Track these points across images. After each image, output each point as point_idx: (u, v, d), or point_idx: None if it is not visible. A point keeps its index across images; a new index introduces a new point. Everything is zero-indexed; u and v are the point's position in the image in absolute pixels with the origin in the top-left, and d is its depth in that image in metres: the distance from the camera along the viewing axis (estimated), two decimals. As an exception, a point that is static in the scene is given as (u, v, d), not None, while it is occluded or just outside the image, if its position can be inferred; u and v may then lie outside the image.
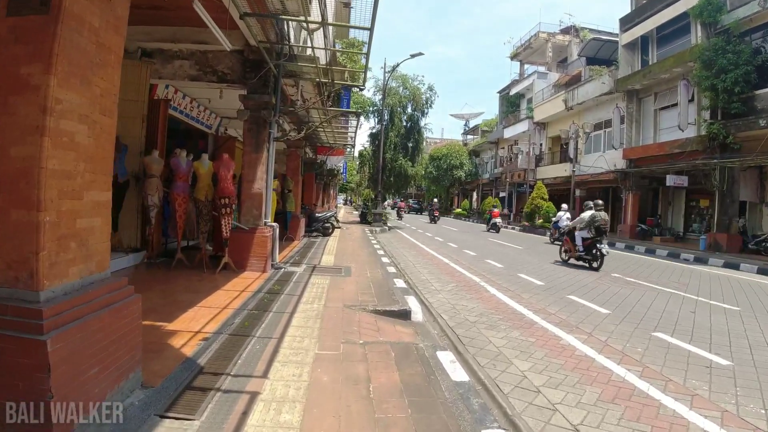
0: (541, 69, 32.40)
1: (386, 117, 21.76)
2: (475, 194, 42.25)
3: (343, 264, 8.32)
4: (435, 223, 27.04)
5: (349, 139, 14.19)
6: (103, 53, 2.59)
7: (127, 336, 2.71)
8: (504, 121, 35.90)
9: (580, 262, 10.49)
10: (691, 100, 17.97)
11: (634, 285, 8.37)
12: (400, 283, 6.75)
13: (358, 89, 10.24)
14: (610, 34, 27.49)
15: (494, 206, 26.17)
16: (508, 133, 33.57)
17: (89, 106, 2.48)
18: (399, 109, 22.63)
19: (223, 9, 5.11)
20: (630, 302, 6.80)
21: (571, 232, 10.82)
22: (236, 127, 11.46)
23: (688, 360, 4.36)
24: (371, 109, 22.58)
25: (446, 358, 3.65)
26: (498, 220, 22.54)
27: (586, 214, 10.46)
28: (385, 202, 26.43)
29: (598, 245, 10.00)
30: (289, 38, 6.47)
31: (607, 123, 23.02)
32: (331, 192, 38.55)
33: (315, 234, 13.75)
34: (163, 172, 7.36)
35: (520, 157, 30.27)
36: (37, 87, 2.18)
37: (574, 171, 21.59)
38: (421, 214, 41.84)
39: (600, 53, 26.30)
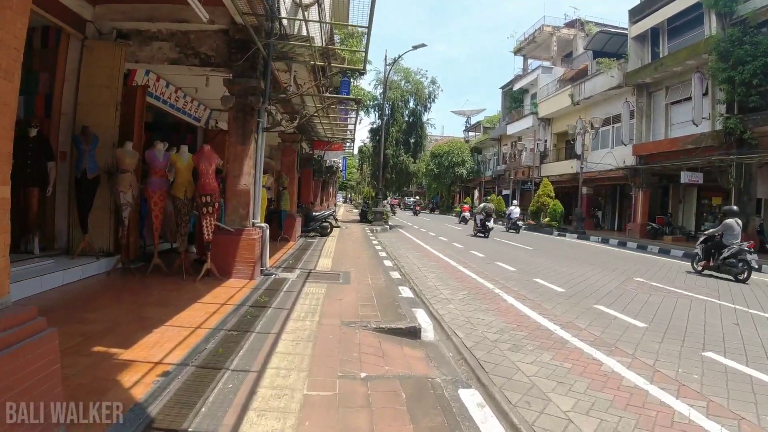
0: (546, 64, 31.54)
1: (387, 111, 20.87)
2: (476, 192, 41.44)
3: (341, 269, 7.53)
4: (416, 215, 35.21)
5: (348, 133, 13.39)
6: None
7: (36, 387, 1.93)
8: (507, 117, 35.05)
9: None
10: (705, 94, 17.20)
11: (662, 291, 7.60)
12: (405, 291, 5.96)
13: (358, 74, 9.44)
14: (616, 27, 26.67)
15: (464, 202, 31.71)
16: (512, 129, 32.72)
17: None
18: (401, 103, 21.72)
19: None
20: (664, 313, 6.03)
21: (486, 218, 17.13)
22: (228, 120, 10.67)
23: (753, 389, 3.61)
24: (372, 103, 21.70)
25: (471, 399, 2.86)
26: (467, 213, 25.94)
27: (488, 206, 18.18)
28: (385, 200, 25.58)
29: (487, 224, 17.12)
30: (279, 13, 5.67)
31: (616, 118, 22.24)
32: (331, 190, 37.75)
33: (312, 234, 12.95)
34: (140, 167, 6.58)
35: (524, 153, 29.46)
36: None
37: (582, 168, 20.79)
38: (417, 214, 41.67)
39: (607, 47, 25.44)
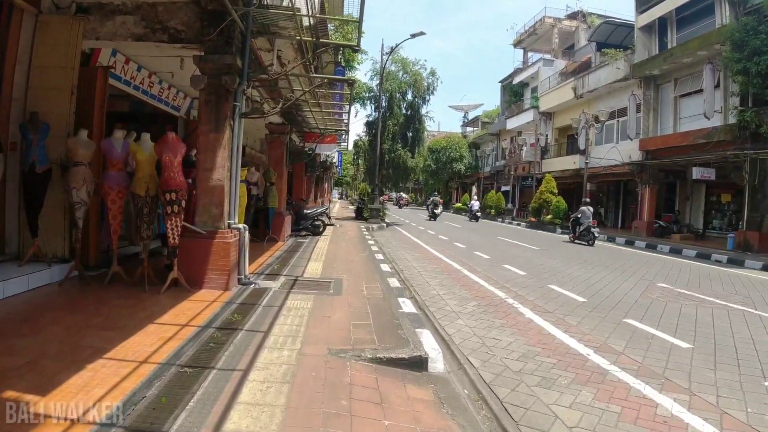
0: (547, 56, 30.66)
1: (384, 104, 19.89)
2: (474, 188, 40.58)
3: (332, 274, 6.67)
4: (401, 208, 38.04)
5: (342, 125, 12.49)
6: None
7: None
8: (506, 111, 34.18)
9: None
10: (717, 86, 16.44)
11: (692, 300, 6.79)
12: (406, 304, 5.10)
13: (352, 50, 8.53)
14: (618, 19, 25.82)
15: (438, 195, 33.83)
16: (511, 123, 31.85)
17: None
18: (398, 95, 20.72)
19: None
20: (705, 329, 5.23)
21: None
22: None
23: None
24: (368, 95, 20.74)
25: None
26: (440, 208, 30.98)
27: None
28: (381, 197, 24.71)
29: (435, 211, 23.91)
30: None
31: (621, 112, 21.45)
32: (326, 186, 36.79)
33: (304, 234, 12.07)
34: (99, 160, 5.68)
35: (524, 148, 28.61)
36: None
37: (587, 163, 19.98)
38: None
39: (611, 38, 24.59)
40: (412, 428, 2.54)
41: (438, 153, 39.03)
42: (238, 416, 2.40)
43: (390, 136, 20.54)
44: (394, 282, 6.35)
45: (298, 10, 5.28)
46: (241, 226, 5.39)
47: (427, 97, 21.08)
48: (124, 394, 2.59)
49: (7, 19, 5.68)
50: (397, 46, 18.54)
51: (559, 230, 20.44)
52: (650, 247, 15.12)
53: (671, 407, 3.15)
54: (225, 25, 5.02)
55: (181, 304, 4.50)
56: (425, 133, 22.94)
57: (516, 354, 4.04)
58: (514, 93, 33.57)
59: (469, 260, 9.65)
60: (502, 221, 27.37)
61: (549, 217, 21.66)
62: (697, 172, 16.18)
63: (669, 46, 19.23)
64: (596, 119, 20.66)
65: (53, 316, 4.04)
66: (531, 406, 3.07)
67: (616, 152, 20.98)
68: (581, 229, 15.56)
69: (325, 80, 6.06)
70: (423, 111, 21.66)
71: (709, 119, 16.16)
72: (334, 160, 31.76)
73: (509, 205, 30.39)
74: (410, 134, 21.33)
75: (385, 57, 18.26)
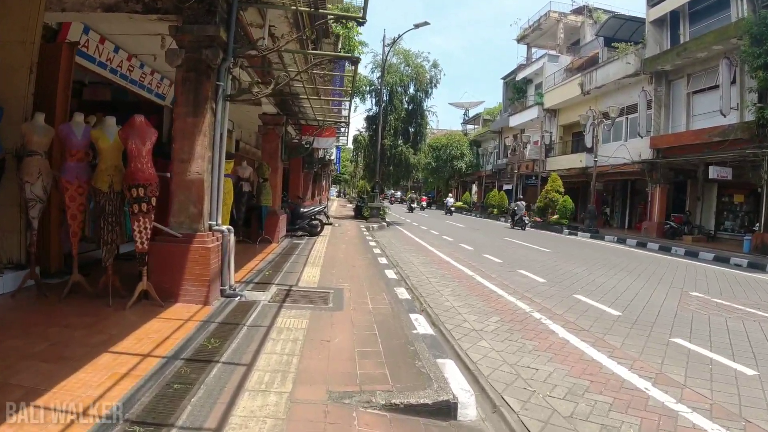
0: (552, 52, 29.86)
1: (385, 97, 19.01)
2: (475, 186, 39.78)
3: (331, 283, 5.88)
4: (411, 212, 37.83)
5: (342, 117, 11.69)
6: None
7: None
8: (509, 108, 33.36)
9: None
10: (733, 82, 15.73)
11: (733, 312, 6.05)
12: (420, 321, 4.32)
13: (356, 23, 7.71)
14: (624, 16, 25.02)
15: (424, 194, 38.47)
16: (514, 121, 31.07)
17: None
18: (400, 89, 19.79)
19: None
20: (762, 348, 4.51)
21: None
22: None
23: None
24: (368, 88, 19.84)
25: None
26: (424, 203, 37.76)
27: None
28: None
29: (413, 206, 32.99)
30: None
31: (630, 109, 20.70)
32: (323, 183, 35.91)
33: (300, 234, 11.27)
34: (60, 149, 4.88)
35: (528, 146, 27.82)
36: None
37: (596, 161, 19.24)
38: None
39: (619, 33, 23.82)
40: None
41: (439, 151, 38.17)
42: None
43: (391, 131, 19.66)
44: (402, 292, 5.56)
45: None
46: (224, 227, 4.59)
47: (430, 91, 20.17)
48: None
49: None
50: (399, 36, 17.74)
51: (566, 231, 19.70)
52: (664, 249, 14.39)
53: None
54: (207, -11, 4.22)
55: (149, 323, 3.71)
56: (428, 128, 22.00)
57: (561, 390, 3.26)
58: (517, 90, 32.76)
59: (479, 264, 8.87)
60: (505, 221, 26.61)
61: (555, 217, 20.89)
62: (714, 171, 15.46)
63: (681, 41, 18.51)
64: (605, 116, 19.90)
65: (-13, 339, 3.25)
66: (600, 475, 2.30)
67: (625, 150, 20.23)
68: (516, 218, 20.65)
69: (325, 59, 5.27)
70: (425, 105, 20.77)
71: (725, 116, 15.46)
72: (333, 157, 30.93)
73: (512, 205, 29.61)
74: (412, 129, 20.43)
75: (386, 48, 17.42)
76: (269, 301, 4.62)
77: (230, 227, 4.76)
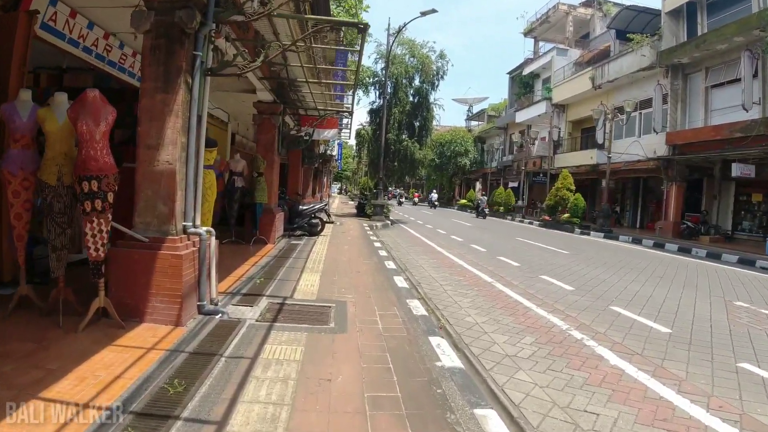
0: (560, 46, 28.93)
1: (390, 89, 18.08)
2: (478, 184, 38.87)
3: (333, 293, 5.06)
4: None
5: (344, 106, 10.85)
6: None
7: None
8: (515, 104, 32.43)
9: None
10: (755, 75, 14.88)
11: (798, 328, 5.23)
12: (443, 347, 3.50)
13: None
14: (638, 8, 24.11)
15: (414, 191, 39.73)
16: (521, 117, 30.13)
17: None
18: (405, 80, 18.83)
19: None
20: None
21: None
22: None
23: None
24: (371, 80, 18.93)
25: None
26: (416, 200, 40.81)
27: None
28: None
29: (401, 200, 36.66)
30: None
31: (643, 104, 19.81)
32: (325, 179, 35.03)
33: (298, 233, 10.45)
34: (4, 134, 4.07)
35: (536, 143, 26.93)
36: None
37: (609, 157, 18.38)
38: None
39: (631, 26, 22.90)
40: None
41: (442, 147, 37.26)
42: None
43: (396, 125, 18.74)
44: (416, 305, 4.74)
45: None
46: (203, 230, 3.77)
47: (437, 83, 19.16)
48: None
49: None
50: (404, 25, 16.83)
51: (578, 230, 18.86)
52: (683, 251, 13.56)
53: None
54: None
55: (100, 354, 2.90)
56: (434, 122, 21.07)
57: (638, 451, 2.46)
58: (523, 84, 31.81)
59: (496, 268, 8.04)
60: (512, 219, 25.77)
61: (566, 215, 20.02)
62: (737, 169, 14.61)
63: (699, 32, 17.63)
64: (619, 110, 19.02)
65: None
66: None
67: (639, 147, 19.37)
68: (479, 209, 24.88)
69: (326, 26, 4.42)
70: (431, 98, 19.80)
71: (747, 111, 14.63)
72: (334, 153, 30.08)
73: (519, 202, 28.76)
74: (417, 123, 19.50)
75: (391, 38, 16.54)
76: (257, 320, 3.80)
77: (211, 229, 3.94)
